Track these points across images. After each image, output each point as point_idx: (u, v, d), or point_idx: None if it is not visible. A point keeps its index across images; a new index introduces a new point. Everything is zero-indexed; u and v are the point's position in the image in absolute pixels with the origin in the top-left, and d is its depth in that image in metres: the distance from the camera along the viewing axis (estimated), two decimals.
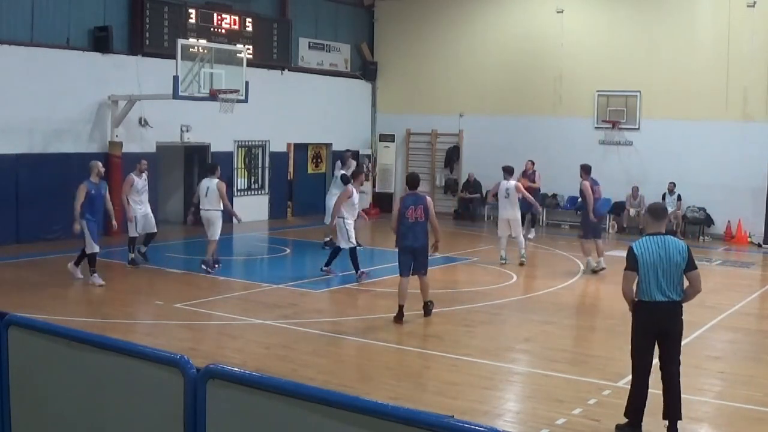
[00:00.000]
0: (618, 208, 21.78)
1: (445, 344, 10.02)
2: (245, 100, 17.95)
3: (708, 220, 20.64)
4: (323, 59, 24.36)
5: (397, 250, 11.15)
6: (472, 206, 23.79)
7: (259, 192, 22.34)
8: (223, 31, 20.66)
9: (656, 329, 6.89)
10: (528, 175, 20.03)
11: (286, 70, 22.80)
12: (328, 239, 16.36)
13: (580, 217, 15.48)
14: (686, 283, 6.93)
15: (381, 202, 24.94)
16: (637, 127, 21.81)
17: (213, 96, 17.17)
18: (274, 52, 22.29)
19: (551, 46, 22.68)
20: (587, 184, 15.23)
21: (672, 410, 6.89)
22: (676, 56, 21.08)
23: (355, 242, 14.02)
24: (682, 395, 6.99)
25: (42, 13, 17.22)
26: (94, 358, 4.01)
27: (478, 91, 23.96)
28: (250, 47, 20.53)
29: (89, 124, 18.14)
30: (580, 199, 16.27)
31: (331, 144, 24.28)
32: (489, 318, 11.60)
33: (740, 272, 16.23)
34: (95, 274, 12.83)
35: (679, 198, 20.51)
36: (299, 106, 22.95)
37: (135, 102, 17.98)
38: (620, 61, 21.78)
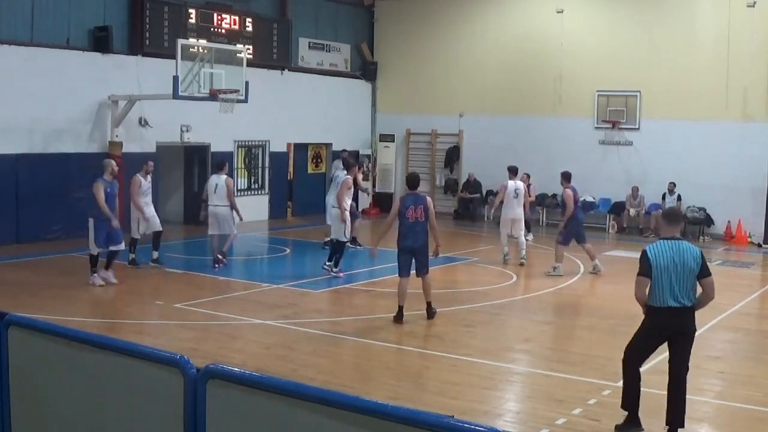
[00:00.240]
0: (618, 208, 21.80)
1: (445, 344, 10.02)
2: (245, 100, 17.95)
3: (708, 220, 20.64)
4: (323, 59, 24.37)
5: (396, 250, 11.14)
6: (472, 206, 23.79)
7: (259, 192, 22.34)
8: (223, 31, 20.67)
9: (667, 333, 6.83)
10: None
11: (286, 70, 22.81)
12: (329, 239, 16.36)
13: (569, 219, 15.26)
14: (699, 290, 6.85)
15: (381, 202, 24.93)
16: (637, 127, 21.82)
17: (213, 96, 17.17)
18: (274, 52, 22.29)
19: (551, 46, 22.69)
20: (569, 192, 15.02)
21: (675, 416, 6.82)
22: (676, 56, 21.08)
23: (348, 237, 14.17)
24: None
25: (42, 13, 17.22)
26: (94, 358, 4.01)
27: (478, 91, 23.97)
28: (250, 47, 20.54)
29: (89, 124, 18.14)
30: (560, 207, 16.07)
31: (331, 144, 24.28)
32: (489, 318, 11.60)
33: (740, 272, 16.22)
34: (95, 275, 12.79)
35: (679, 198, 20.51)
36: (299, 106, 22.96)
37: (135, 102, 17.98)
38: (620, 61, 21.78)
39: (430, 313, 11.06)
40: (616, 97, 21.97)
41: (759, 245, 19.72)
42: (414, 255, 10.87)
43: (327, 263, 14.24)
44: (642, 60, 21.50)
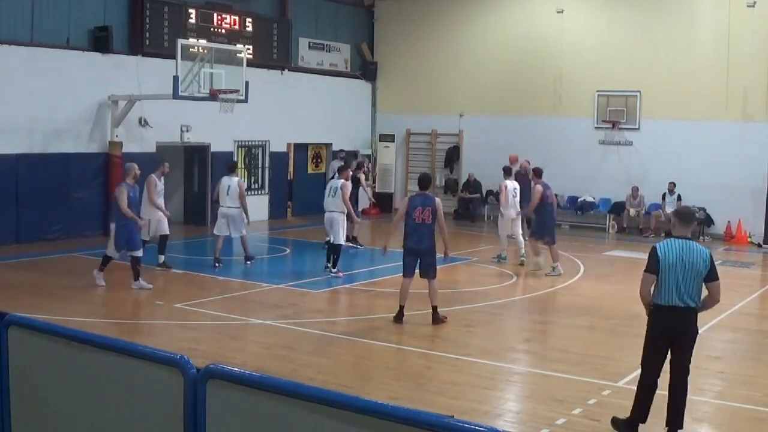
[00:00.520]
0: (618, 208, 21.80)
1: (445, 344, 10.02)
2: (245, 100, 17.95)
3: (708, 220, 20.64)
4: (323, 59, 24.37)
5: (402, 250, 11.10)
6: (472, 206, 23.78)
7: (259, 192, 22.34)
8: (223, 31, 20.67)
9: (670, 333, 6.78)
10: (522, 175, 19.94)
11: (286, 70, 22.81)
12: (329, 239, 16.35)
13: (538, 217, 15.18)
14: (704, 293, 6.81)
15: (381, 202, 24.95)
16: (637, 127, 21.82)
17: (213, 96, 17.17)
18: (274, 52, 22.29)
19: (551, 46, 22.69)
20: (539, 188, 14.89)
21: (674, 419, 6.80)
22: (676, 56, 21.08)
23: (344, 240, 14.44)
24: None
25: (42, 13, 17.22)
26: (94, 358, 4.01)
27: (478, 91, 23.97)
28: (250, 47, 20.54)
29: (89, 124, 18.15)
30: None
31: (331, 144, 24.28)
32: (489, 318, 11.60)
33: (740, 272, 16.24)
34: (101, 273, 12.72)
35: (679, 198, 20.49)
36: (299, 106, 22.96)
37: (135, 102, 17.98)
38: (620, 61, 21.78)
39: (435, 319, 10.86)
40: (616, 97, 21.97)
41: (759, 245, 19.72)
42: (419, 257, 10.83)
43: (327, 264, 14.32)
44: (642, 60, 21.50)
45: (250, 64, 19.09)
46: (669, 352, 6.89)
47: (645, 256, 7.02)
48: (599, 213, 22.23)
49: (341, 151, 22.13)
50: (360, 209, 19.23)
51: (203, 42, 18.27)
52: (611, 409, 7.45)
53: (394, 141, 25.55)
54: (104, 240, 17.63)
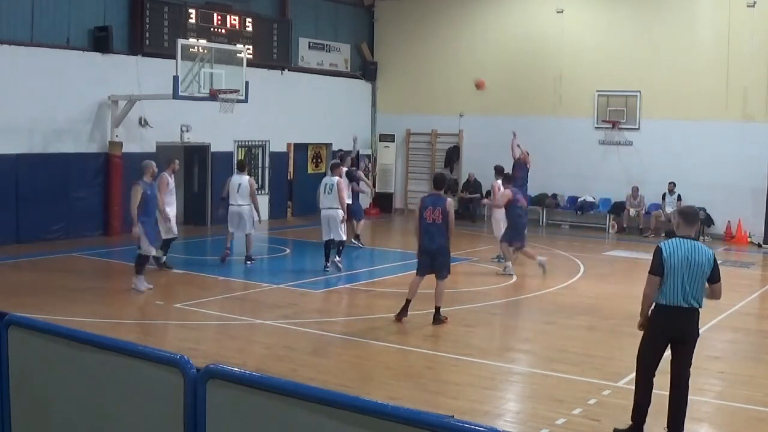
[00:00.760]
0: (618, 208, 21.80)
1: (445, 344, 10.02)
2: (245, 100, 17.96)
3: (708, 220, 20.62)
4: (323, 59, 24.37)
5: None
6: (472, 206, 23.78)
7: (259, 192, 22.19)
8: (223, 31, 20.67)
9: (671, 334, 6.75)
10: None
11: (286, 70, 22.81)
12: (330, 238, 16.34)
13: (510, 220, 15.10)
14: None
15: (381, 202, 24.94)
16: (637, 127, 21.82)
17: (213, 96, 17.18)
18: (274, 52, 22.29)
19: (551, 46, 22.68)
20: (507, 192, 14.76)
21: (675, 421, 6.78)
22: (676, 56, 21.08)
23: (345, 236, 14.55)
24: None
25: (42, 13, 17.22)
26: (94, 358, 4.01)
27: (478, 91, 23.95)
28: (250, 47, 20.54)
29: (89, 124, 18.14)
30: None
31: (331, 144, 24.27)
32: (489, 318, 11.60)
33: (740, 272, 16.24)
34: (141, 277, 12.42)
35: (679, 198, 20.50)
36: (299, 106, 22.96)
37: (135, 102, 17.98)
38: (620, 61, 21.78)
39: (436, 319, 10.87)
40: (616, 97, 21.97)
41: (759, 245, 19.72)
42: (432, 256, 10.88)
43: (327, 264, 14.33)
44: (642, 60, 21.50)
45: (250, 64, 19.09)
46: (670, 354, 6.87)
47: (645, 256, 7.04)
48: (599, 213, 22.23)
49: (339, 150, 22.13)
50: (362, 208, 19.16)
51: (203, 42, 18.27)
52: (611, 409, 7.45)
53: (394, 141, 25.55)
54: (104, 240, 17.75)
